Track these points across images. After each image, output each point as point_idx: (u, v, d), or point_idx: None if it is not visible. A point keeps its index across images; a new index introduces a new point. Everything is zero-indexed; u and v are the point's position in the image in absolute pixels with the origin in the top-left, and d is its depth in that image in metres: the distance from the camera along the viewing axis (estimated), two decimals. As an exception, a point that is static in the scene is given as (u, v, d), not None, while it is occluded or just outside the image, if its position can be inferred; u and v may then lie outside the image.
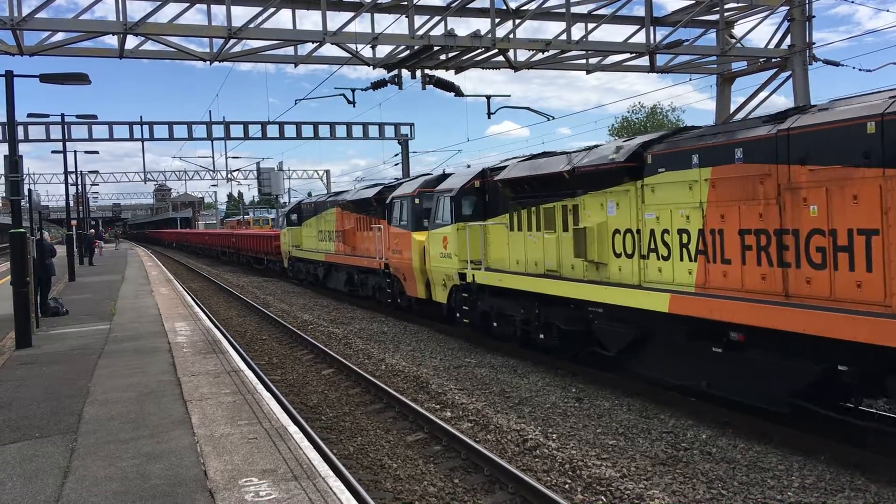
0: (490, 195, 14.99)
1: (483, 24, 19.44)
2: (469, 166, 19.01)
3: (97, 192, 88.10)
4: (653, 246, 10.32)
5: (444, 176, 17.66)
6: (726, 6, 21.22)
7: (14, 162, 14.75)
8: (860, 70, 21.86)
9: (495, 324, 14.28)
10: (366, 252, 22.28)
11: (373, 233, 21.11)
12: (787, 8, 20.76)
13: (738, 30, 22.47)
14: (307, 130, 47.51)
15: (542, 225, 12.94)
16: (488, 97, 24.86)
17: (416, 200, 17.97)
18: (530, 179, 12.95)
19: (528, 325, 13.30)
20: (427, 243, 16.83)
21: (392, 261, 19.35)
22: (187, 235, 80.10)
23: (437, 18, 18.93)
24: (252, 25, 17.38)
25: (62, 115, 32.86)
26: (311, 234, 29.38)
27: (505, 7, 19.81)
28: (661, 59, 22.17)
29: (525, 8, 20.01)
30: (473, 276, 14.56)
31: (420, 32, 18.77)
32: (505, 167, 14.28)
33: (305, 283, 30.81)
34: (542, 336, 12.79)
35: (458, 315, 15.60)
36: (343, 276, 24.94)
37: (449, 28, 18.85)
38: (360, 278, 23.20)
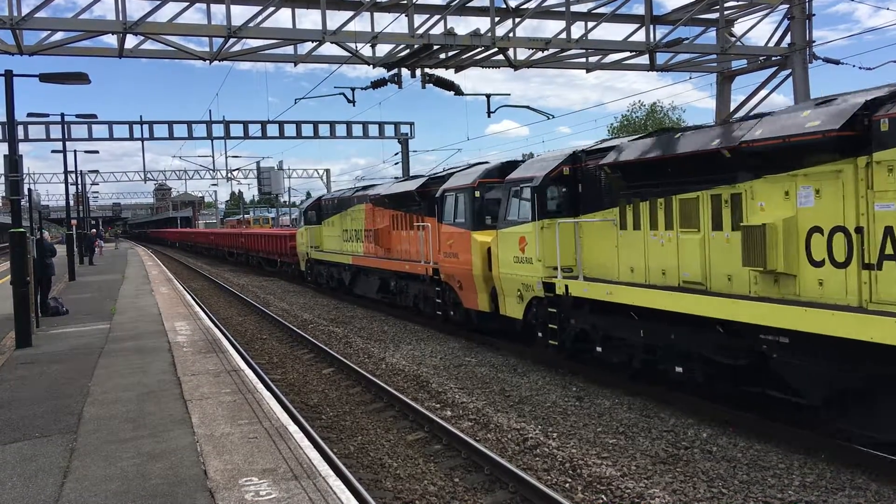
0: (586, 185, 12.03)
1: (483, 23, 19.44)
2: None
3: (97, 192, 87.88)
4: (890, 251, 7.30)
5: (512, 164, 15.06)
6: (726, 4, 21.20)
7: (14, 161, 14.75)
8: (860, 68, 21.87)
9: (599, 348, 11.46)
10: (405, 254, 19.49)
11: (415, 232, 18.57)
12: (787, 6, 20.74)
13: (738, 28, 22.43)
14: (307, 129, 47.49)
15: (675, 222, 10.06)
16: (488, 96, 24.87)
17: (476, 193, 15.04)
18: (661, 161, 10.06)
19: (651, 352, 10.54)
20: (495, 245, 13.89)
21: (444, 265, 16.34)
22: (192, 235, 76.25)
23: (436, 17, 18.92)
24: (252, 25, 17.37)
25: (62, 115, 32.86)
26: (334, 234, 26.20)
27: (504, 6, 19.80)
28: (660, 58, 22.15)
29: (525, 6, 20.00)
30: (567, 286, 11.67)
31: (420, 31, 18.75)
32: (607, 149, 11.59)
33: (327, 288, 27.40)
34: (679, 369, 9.97)
35: (539, 334, 12.84)
36: (375, 282, 21.67)
37: (448, 27, 18.84)
38: (399, 285, 19.85)
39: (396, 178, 23.71)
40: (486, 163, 16.52)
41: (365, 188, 24.57)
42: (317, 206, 28.81)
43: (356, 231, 23.65)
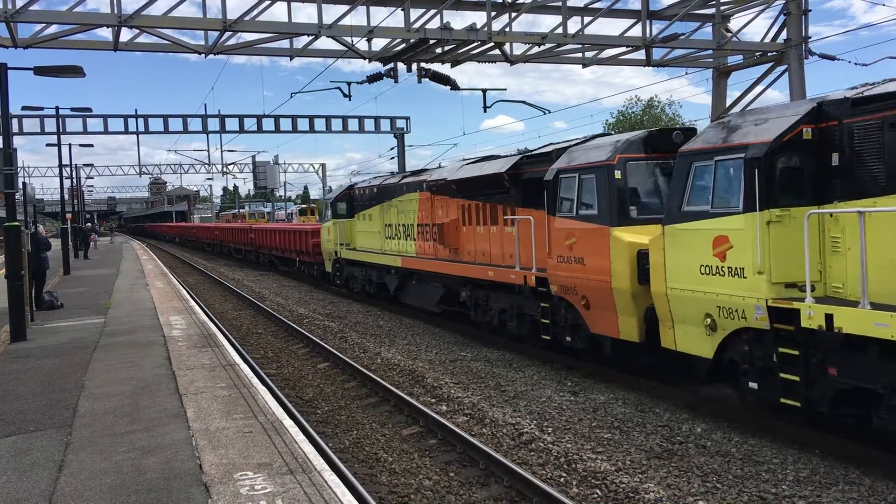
0: (849, 153, 7.94)
1: (479, 18, 19.39)
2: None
3: (92, 186, 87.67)
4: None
5: (662, 132, 11.37)
6: (722, 0, 21.19)
7: (8, 155, 14.69)
8: (856, 64, 21.90)
9: None
10: (484, 256, 15.18)
11: (500, 228, 14.58)
12: (783, 2, 20.74)
13: (734, 24, 22.37)
14: (303, 124, 47.31)
15: None
16: (484, 91, 24.85)
17: (617, 174, 10.84)
18: None
19: None
20: (658, 248, 9.75)
21: (558, 274, 11.95)
22: (193, 230, 70.62)
23: (432, 11, 18.86)
24: (247, 18, 17.30)
25: (56, 108, 32.73)
26: (372, 229, 21.66)
27: (501, 0, 19.75)
28: (657, 53, 22.12)
29: (521, 1, 19.96)
30: (830, 316, 7.50)
31: (416, 25, 18.70)
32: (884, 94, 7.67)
33: (362, 294, 22.84)
34: None
35: (752, 385, 8.66)
36: (435, 291, 17.42)
37: (445, 21, 18.79)
38: (475, 296, 15.42)
39: (465, 159, 17.72)
40: (606, 134, 12.86)
41: (416, 173, 19.80)
42: (348, 197, 24.01)
43: (405, 226, 19.16)
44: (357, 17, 18.28)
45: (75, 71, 16.04)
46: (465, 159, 17.56)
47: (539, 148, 14.20)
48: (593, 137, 12.66)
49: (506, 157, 14.96)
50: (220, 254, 52.07)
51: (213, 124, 46.37)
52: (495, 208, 14.74)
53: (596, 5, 20.65)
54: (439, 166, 20.35)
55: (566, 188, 11.87)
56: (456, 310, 16.77)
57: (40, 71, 15.88)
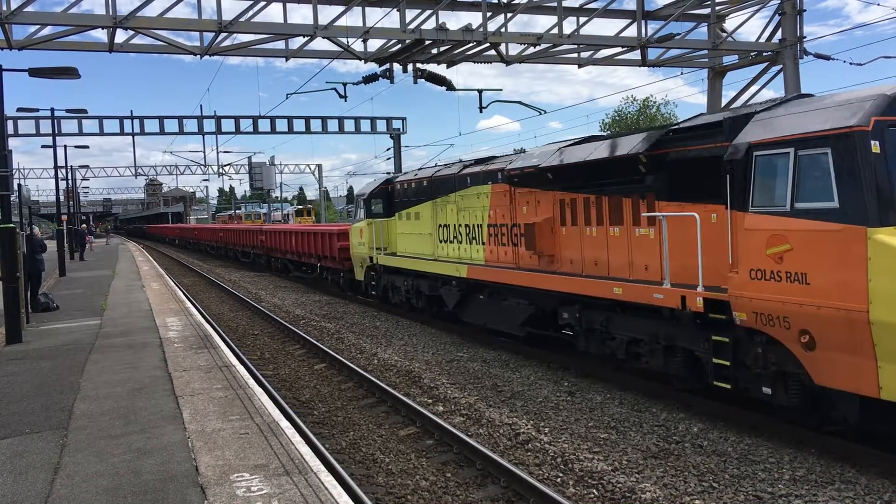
0: None
1: (475, 18, 19.39)
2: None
3: (88, 187, 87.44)
4: None
5: None
6: (717, 0, 21.22)
7: (3, 156, 14.67)
8: (851, 64, 21.95)
9: None
10: (600, 268, 11.60)
11: (626, 228, 11.07)
12: (778, 2, 20.78)
13: (730, 24, 22.40)
14: (299, 125, 47.36)
15: None
16: (480, 91, 24.83)
17: (874, 145, 7.39)
18: None
19: None
20: None
21: (754, 296, 8.37)
22: (194, 231, 65.82)
23: (428, 12, 18.86)
24: (242, 19, 17.29)
25: (52, 110, 32.80)
26: (420, 231, 17.94)
27: (496, 1, 19.76)
28: (652, 53, 22.14)
29: (516, 2, 19.97)
30: None
31: (411, 26, 18.70)
32: None
33: (405, 308, 19.28)
34: None
35: None
36: (520, 309, 13.55)
37: (440, 22, 18.79)
38: (588, 319, 11.66)
39: (561, 143, 13.11)
40: (807, 95, 9.20)
41: (483, 161, 15.86)
42: (385, 193, 20.24)
43: (470, 227, 15.53)
44: (352, 18, 18.27)
45: (70, 72, 16.02)
46: (561, 143, 13.06)
47: (690, 119, 10.48)
48: (796, 98, 9.11)
49: (632, 134, 11.20)
50: (219, 256, 49.84)
51: (209, 125, 46.37)
52: (618, 203, 11.18)
53: (591, 6, 20.67)
54: (517, 152, 16.16)
55: (767, 170, 8.36)
56: (548, 334, 13.30)
57: (35, 72, 15.86)
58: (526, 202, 13.42)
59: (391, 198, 20.01)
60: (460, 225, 15.99)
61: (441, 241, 16.89)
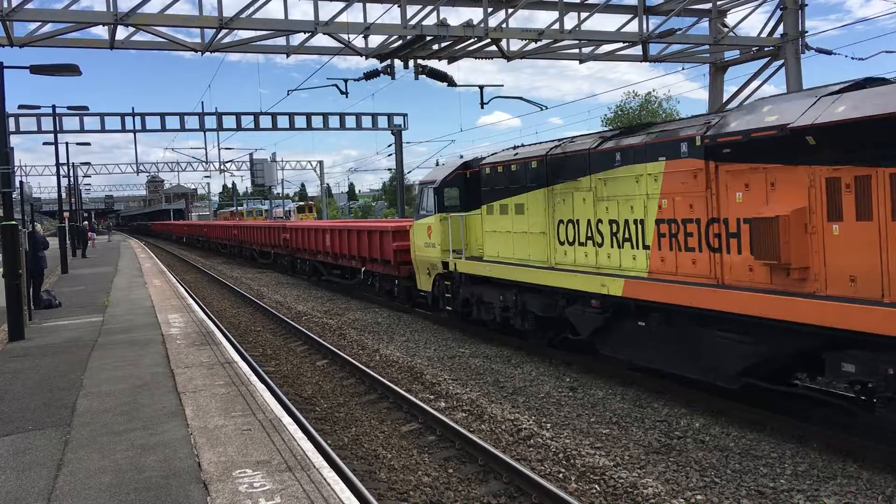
0: None
1: (475, 14, 19.39)
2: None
3: (89, 184, 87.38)
4: None
5: None
6: (719, -5, 21.21)
7: (5, 154, 14.68)
8: (853, 58, 21.90)
9: None
10: None
11: None
12: (780, -4, 20.75)
13: (731, 18, 22.41)
14: (300, 121, 47.41)
15: None
16: (481, 87, 24.79)
17: None
18: None
19: None
20: None
21: None
22: (203, 229, 59.25)
23: (429, 8, 18.86)
24: (243, 15, 17.30)
25: (53, 107, 32.75)
26: (526, 228, 13.34)
27: (497, -4, 19.75)
28: (653, 49, 22.13)
29: (517, -3, 19.96)
30: None
31: (412, 22, 18.69)
32: None
33: (494, 328, 15.00)
34: None
35: None
36: (735, 350, 8.91)
37: (441, 18, 18.79)
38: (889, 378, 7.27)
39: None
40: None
41: (643, 129, 11.29)
42: (464, 180, 15.93)
43: (619, 224, 11.03)
44: (353, 14, 18.30)
45: (72, 69, 16.03)
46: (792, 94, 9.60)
47: None
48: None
49: None
50: (231, 255, 45.73)
51: (211, 122, 46.44)
52: None
53: (592, 1, 20.65)
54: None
55: None
56: (786, 390, 9.11)
57: (37, 70, 15.87)
58: (744, 185, 9.00)
59: (474, 186, 15.45)
60: (599, 221, 11.45)
61: (562, 243, 12.37)
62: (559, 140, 13.08)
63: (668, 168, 10.08)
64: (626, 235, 10.93)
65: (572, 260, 12.12)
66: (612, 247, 11.27)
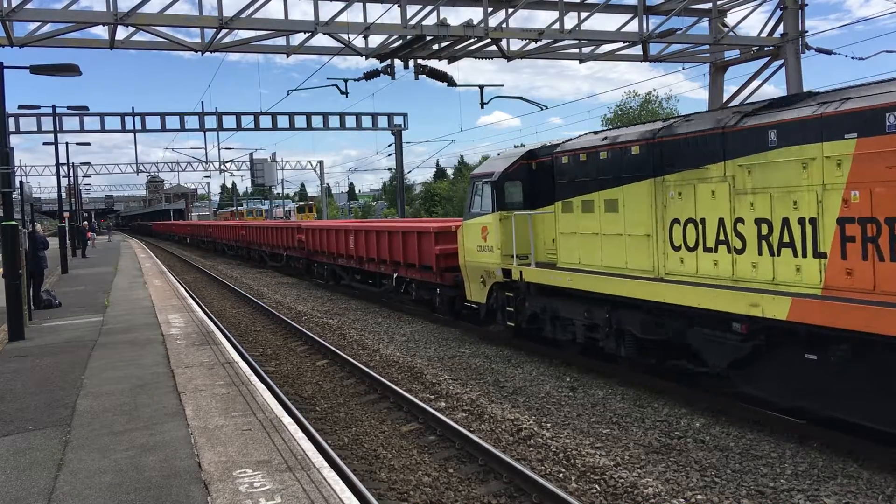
0: None
1: (476, 14, 19.37)
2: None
3: (89, 184, 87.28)
4: None
5: None
6: (719, -6, 21.19)
7: (5, 154, 14.67)
8: (853, 58, 21.88)
9: None
10: None
11: None
12: (780, -4, 20.74)
13: (731, 18, 22.36)
14: (300, 121, 47.39)
15: None
16: (481, 87, 24.79)
17: None
18: None
19: None
20: None
21: None
22: (209, 229, 55.80)
23: (429, 8, 18.84)
24: (243, 15, 17.28)
25: (53, 107, 32.75)
26: (620, 229, 11.04)
27: (497, -4, 19.73)
28: (653, 48, 22.11)
29: (517, -3, 19.94)
30: None
31: (412, 22, 18.68)
32: None
33: (569, 347, 12.69)
34: None
35: None
36: None
37: (441, 17, 18.77)
38: None
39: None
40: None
41: (809, 98, 8.69)
42: (528, 172, 13.58)
43: (772, 224, 8.63)
44: (353, 14, 18.28)
45: (72, 69, 16.04)
46: None
47: None
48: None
49: None
50: (238, 257, 43.70)
51: (211, 122, 46.41)
52: None
53: (592, 0, 20.64)
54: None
55: None
56: None
57: (37, 70, 15.87)
58: None
59: (542, 179, 13.12)
60: (739, 220, 9.02)
61: (677, 248, 9.91)
62: (667, 119, 10.91)
63: (860, 148, 7.59)
64: (786, 239, 8.42)
65: (693, 269, 9.60)
66: (759, 254, 8.72)
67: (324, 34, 18.29)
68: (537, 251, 13.02)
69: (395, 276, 19.56)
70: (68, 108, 31.36)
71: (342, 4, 18.12)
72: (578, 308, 11.73)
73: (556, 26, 19.57)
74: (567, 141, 12.62)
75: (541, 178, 13.19)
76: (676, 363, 10.36)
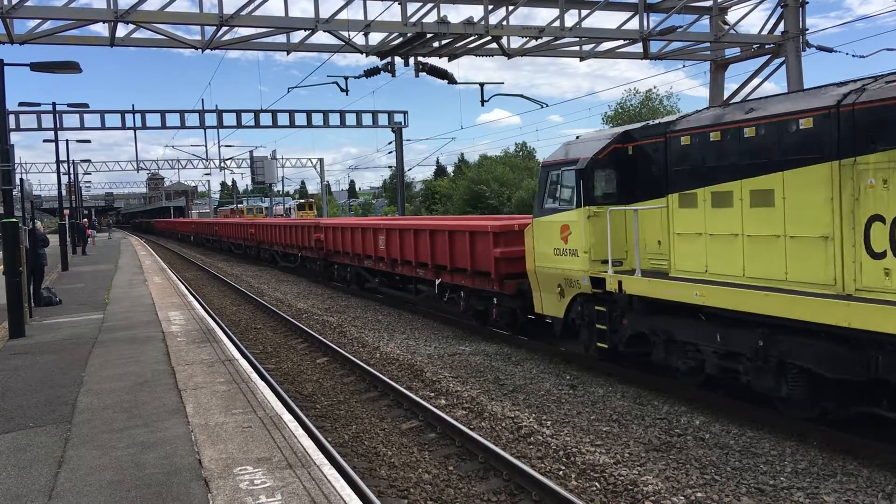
0: None
1: (476, 11, 19.38)
2: None
3: (89, 182, 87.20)
4: None
5: None
6: (720, -8, 21.19)
7: (5, 151, 14.68)
8: (853, 56, 21.89)
9: None
10: None
11: None
12: (781, -6, 20.73)
13: (732, 16, 22.36)
14: (300, 118, 47.42)
15: None
16: (482, 84, 24.81)
17: None
18: None
19: None
20: None
21: None
22: (216, 227, 52.25)
23: (429, 5, 18.84)
24: (244, 13, 17.28)
25: (53, 104, 32.76)
26: (792, 227, 8.30)
27: (498, -7, 19.73)
28: (654, 46, 22.12)
29: (518, -6, 19.93)
30: None
31: (413, 19, 18.68)
32: None
33: (691, 377, 10.08)
34: None
35: None
36: None
37: (442, 15, 18.77)
38: None
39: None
40: None
41: None
42: (626, 158, 11.12)
43: None
44: (354, 11, 18.28)
45: (72, 67, 16.03)
46: None
47: None
48: None
49: None
50: (246, 257, 41.73)
51: (211, 119, 46.47)
52: None
53: (593, -2, 20.64)
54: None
55: None
56: None
57: (37, 67, 15.86)
58: None
59: (644, 166, 10.66)
60: None
61: (879, 256, 7.44)
62: (858, 81, 8.10)
63: None
64: None
65: None
66: None
67: (324, 31, 18.30)
68: (645, 256, 10.57)
69: (437, 282, 16.93)
70: (68, 105, 31.36)
71: (343, 2, 18.12)
72: (708, 331, 9.30)
73: (557, 24, 19.57)
74: (683, 118, 10.21)
75: (640, 164, 10.73)
76: (869, 410, 7.86)
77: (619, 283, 10.44)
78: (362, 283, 23.23)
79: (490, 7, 19.03)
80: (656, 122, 10.83)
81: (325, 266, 26.70)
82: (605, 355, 11.39)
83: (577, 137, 12.56)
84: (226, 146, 64.78)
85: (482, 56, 21.48)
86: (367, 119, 48.31)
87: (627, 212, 10.81)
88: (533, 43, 20.56)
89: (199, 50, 18.67)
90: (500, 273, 14.18)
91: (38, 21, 17.10)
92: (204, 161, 65.02)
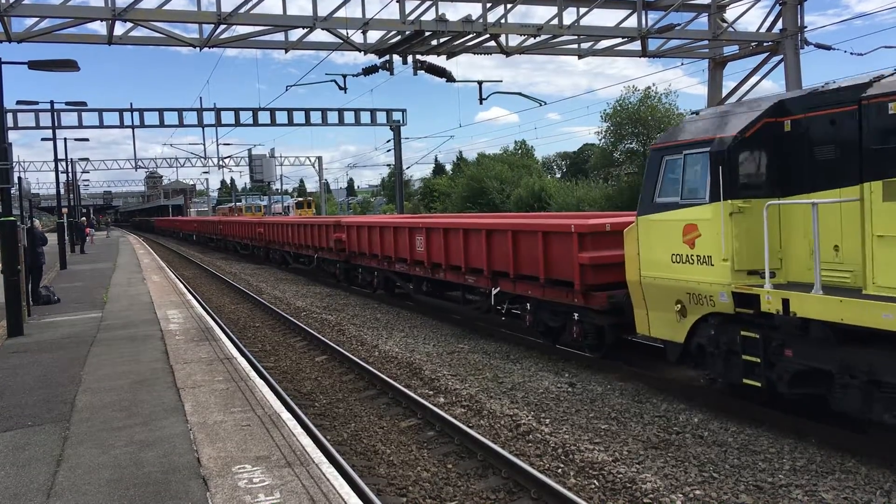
0: None
1: (474, 9, 19.37)
2: None
3: (88, 180, 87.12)
4: None
5: None
6: (718, -10, 21.19)
7: (3, 149, 14.66)
8: (851, 54, 21.92)
9: None
10: None
11: None
12: (779, -9, 20.74)
13: (730, 14, 22.39)
14: (298, 117, 47.40)
15: None
16: (480, 83, 24.81)
17: None
18: None
19: None
20: None
21: None
22: (220, 226, 49.24)
23: (428, 3, 18.83)
24: (241, 11, 17.27)
25: (51, 103, 32.68)
26: None
27: (496, -9, 19.72)
28: (652, 44, 22.13)
29: (516, -8, 19.92)
30: None
31: (411, 17, 18.67)
32: None
33: None
34: None
35: None
36: None
37: (440, 13, 18.76)
38: None
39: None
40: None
41: None
42: (783, 137, 8.50)
43: None
44: (352, 10, 18.27)
45: (70, 65, 16.01)
46: None
47: None
48: None
49: None
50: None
51: (209, 118, 46.41)
52: None
53: (591, -4, 20.64)
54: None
55: None
56: None
57: (35, 65, 15.84)
58: None
59: (805, 148, 8.26)
60: None
61: None
62: None
63: None
64: None
65: None
66: None
67: (322, 30, 18.29)
68: (798, 265, 8.35)
69: (494, 291, 14.29)
70: (66, 103, 31.24)
71: (340, 0, 18.10)
72: None
73: (555, 21, 19.57)
74: (879, 79, 7.56)
75: (804, 144, 8.26)
76: None
77: (785, 301, 7.85)
78: (392, 288, 20.89)
79: (488, 5, 19.03)
80: (834, 86, 8.15)
81: (345, 270, 23.87)
82: (764, 396, 8.80)
83: (697, 113, 10.14)
84: (224, 144, 64.73)
85: (480, 54, 21.47)
86: (365, 117, 48.31)
87: (787, 207, 8.28)
88: (531, 41, 20.56)
89: (197, 48, 18.66)
90: (585, 283, 11.60)
91: (36, 19, 17.09)
92: (202, 159, 64.99)
